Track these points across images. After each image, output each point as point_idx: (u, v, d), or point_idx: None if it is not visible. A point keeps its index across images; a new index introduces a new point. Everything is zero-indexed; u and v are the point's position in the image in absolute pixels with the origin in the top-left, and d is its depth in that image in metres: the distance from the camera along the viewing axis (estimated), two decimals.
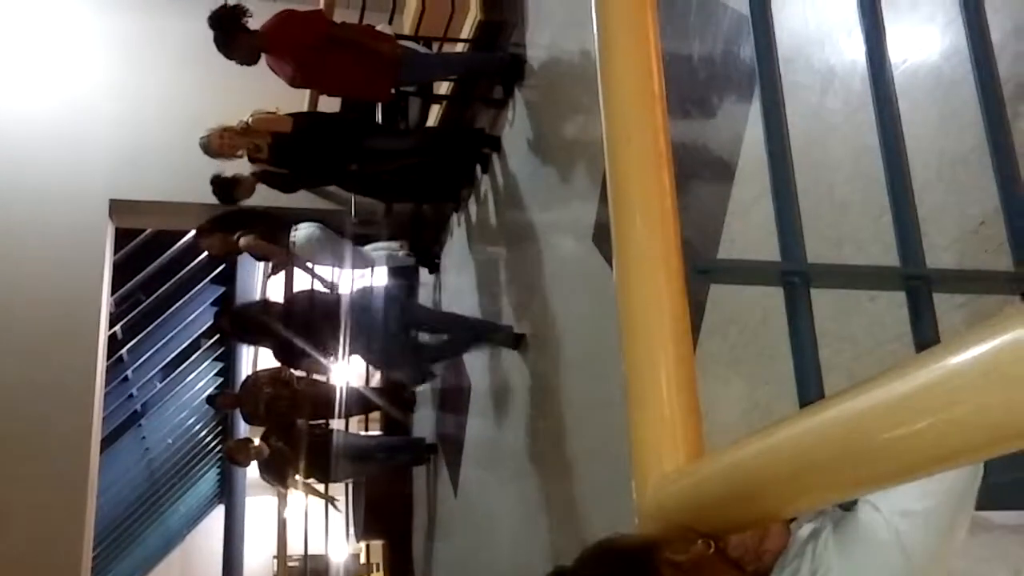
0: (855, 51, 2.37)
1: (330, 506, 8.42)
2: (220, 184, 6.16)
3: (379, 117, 6.50)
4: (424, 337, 6.80)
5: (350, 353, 6.27)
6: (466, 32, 6.25)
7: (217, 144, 5.81)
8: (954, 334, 0.76)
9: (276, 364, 7.37)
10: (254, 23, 5.51)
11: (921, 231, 1.53)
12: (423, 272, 7.82)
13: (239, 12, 5.42)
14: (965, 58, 1.63)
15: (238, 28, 5.42)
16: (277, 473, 7.19)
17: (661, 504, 1.16)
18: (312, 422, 7.28)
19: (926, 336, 1.46)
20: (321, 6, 6.10)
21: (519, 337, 5.52)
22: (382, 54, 5.56)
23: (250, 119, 5.81)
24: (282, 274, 7.72)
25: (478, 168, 6.37)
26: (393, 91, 6.00)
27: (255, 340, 7.09)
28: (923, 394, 0.75)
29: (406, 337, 6.48)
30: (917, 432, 0.76)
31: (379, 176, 6.44)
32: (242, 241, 6.28)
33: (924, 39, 2.19)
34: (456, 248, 7.12)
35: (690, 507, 1.11)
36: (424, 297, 7.88)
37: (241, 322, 6.66)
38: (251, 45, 5.46)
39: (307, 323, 6.17)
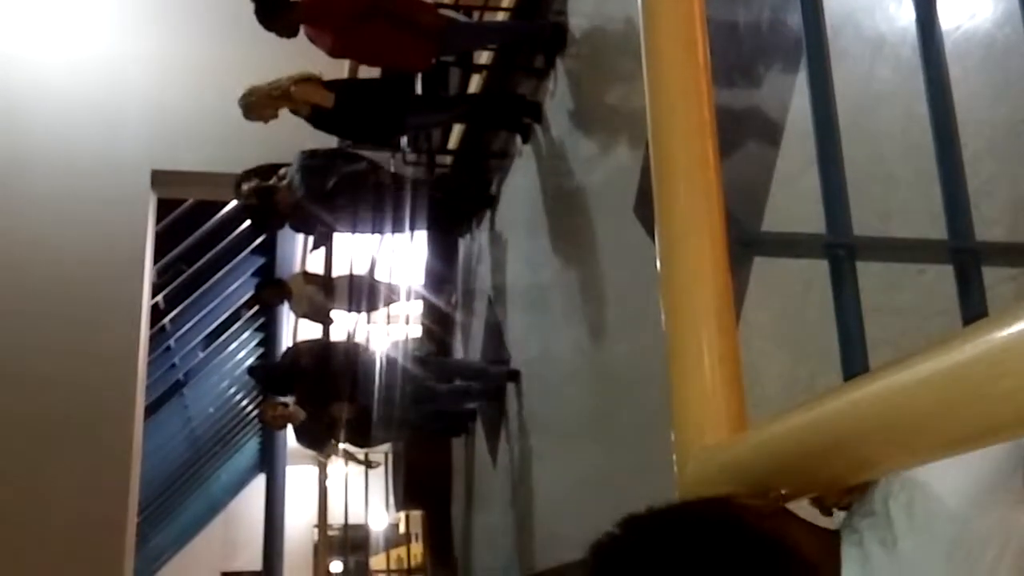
0: (905, 18, 2.32)
1: (369, 471, 8.49)
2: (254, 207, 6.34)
3: (419, 88, 6.48)
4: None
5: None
6: (507, 1, 6.21)
7: (257, 108, 5.82)
8: (1001, 307, 0.74)
9: (316, 334, 7.43)
10: None
11: (971, 203, 1.50)
12: None
13: None
14: (1019, 25, 1.59)
15: (279, 1, 5.42)
16: (314, 438, 7.26)
17: (703, 477, 1.15)
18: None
19: (974, 310, 1.43)
20: None
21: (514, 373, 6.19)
22: (423, 23, 5.54)
23: (293, 87, 5.79)
24: (322, 250, 7.78)
25: (518, 138, 6.35)
26: (434, 60, 5.97)
27: (285, 391, 7.28)
28: (970, 367, 0.73)
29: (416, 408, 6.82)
30: (963, 405, 0.75)
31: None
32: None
33: (977, 5, 2.14)
34: (499, 215, 7.11)
35: (732, 480, 1.09)
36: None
37: (270, 378, 7.14)
38: (291, 16, 5.45)
39: (323, 380, 6.65)
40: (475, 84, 6.84)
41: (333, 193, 6.32)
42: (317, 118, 5.91)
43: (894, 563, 0.98)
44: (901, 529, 0.99)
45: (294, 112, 5.89)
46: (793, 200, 2.82)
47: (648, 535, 0.96)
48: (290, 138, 6.41)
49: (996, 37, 2.06)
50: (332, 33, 5.54)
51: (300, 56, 6.10)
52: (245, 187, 6.33)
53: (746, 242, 1.46)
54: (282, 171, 6.29)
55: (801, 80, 2.68)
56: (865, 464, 0.91)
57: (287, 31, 5.52)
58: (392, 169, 7.01)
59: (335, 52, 5.72)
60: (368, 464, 8.53)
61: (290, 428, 7.45)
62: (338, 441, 7.36)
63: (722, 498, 0.98)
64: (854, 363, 1.34)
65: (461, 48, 6.40)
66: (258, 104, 5.80)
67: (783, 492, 0.99)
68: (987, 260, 1.50)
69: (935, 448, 0.83)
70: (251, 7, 5.44)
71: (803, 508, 1.04)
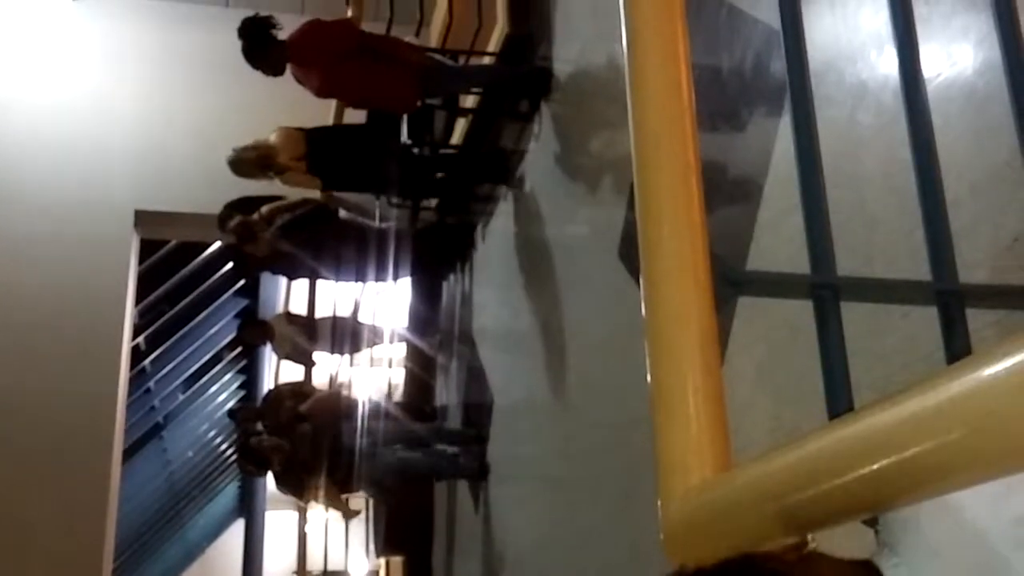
0: (887, 66, 2.35)
1: (349, 520, 8.41)
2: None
3: (405, 131, 6.51)
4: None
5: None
6: (493, 45, 6.25)
7: (248, 161, 5.96)
8: (986, 346, 0.74)
9: (298, 377, 7.39)
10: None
11: (954, 247, 1.51)
12: None
13: (268, 23, 5.46)
14: (999, 72, 1.61)
15: (267, 39, 5.45)
16: (294, 484, 7.19)
17: (687, 517, 1.14)
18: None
19: (958, 351, 1.43)
20: (349, 15, 6.14)
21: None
22: (409, 65, 5.58)
23: (271, 137, 5.92)
24: (305, 292, 7.78)
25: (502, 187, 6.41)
26: (419, 103, 6.01)
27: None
28: (955, 406, 0.74)
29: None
30: (949, 445, 0.75)
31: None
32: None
33: (957, 54, 2.17)
34: (483, 259, 7.11)
35: (718, 520, 1.09)
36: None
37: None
38: (279, 55, 5.47)
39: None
40: (460, 128, 6.88)
41: (317, 243, 6.36)
42: (312, 161, 5.98)
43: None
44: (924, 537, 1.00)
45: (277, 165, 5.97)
46: (778, 243, 2.83)
47: None
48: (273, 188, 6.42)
49: (977, 85, 2.09)
50: (318, 72, 5.56)
51: (286, 97, 6.15)
52: (230, 224, 6.33)
53: (731, 281, 1.46)
54: (264, 210, 6.29)
55: (785, 125, 2.71)
56: (852, 503, 0.91)
57: (274, 70, 5.53)
58: (377, 212, 7.02)
59: (321, 92, 5.75)
60: (348, 514, 8.44)
61: (270, 474, 7.38)
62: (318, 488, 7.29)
63: (747, 554, 0.98)
64: (839, 402, 1.34)
65: (446, 90, 6.43)
66: (247, 157, 5.95)
67: (811, 538, 0.99)
68: (971, 302, 1.50)
69: (922, 488, 0.83)
70: (235, 49, 5.47)
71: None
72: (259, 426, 7.14)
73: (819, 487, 0.91)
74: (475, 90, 6.56)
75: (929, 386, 0.76)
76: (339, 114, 6.65)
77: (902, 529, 1.00)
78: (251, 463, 7.01)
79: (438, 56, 6.07)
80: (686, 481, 1.16)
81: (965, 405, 0.73)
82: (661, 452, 1.21)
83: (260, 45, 5.44)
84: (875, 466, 0.83)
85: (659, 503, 1.18)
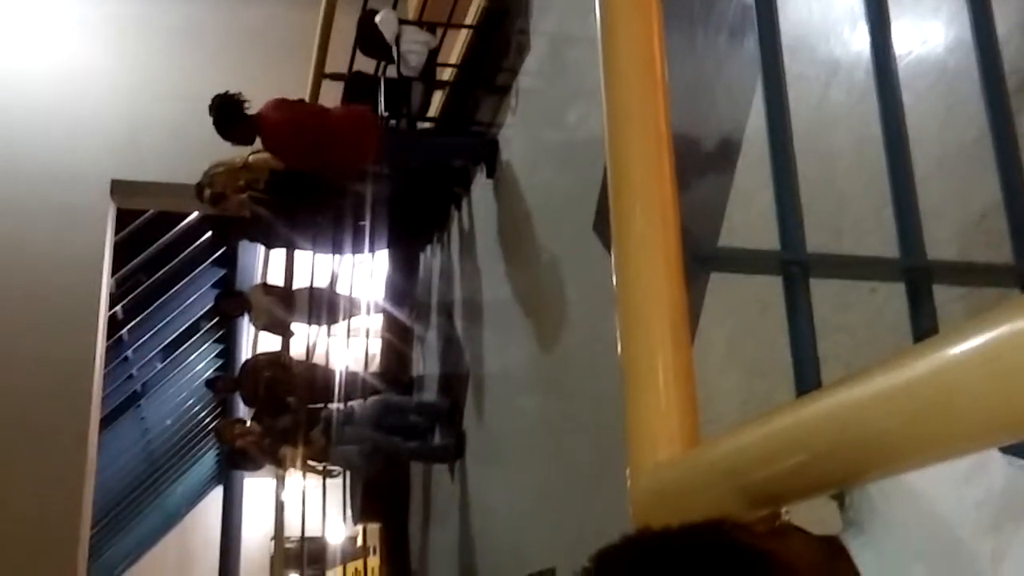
0: (859, 43, 2.36)
1: (327, 483, 8.43)
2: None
3: (382, 104, 6.50)
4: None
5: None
6: (470, 18, 6.23)
7: (220, 181, 6.24)
8: (953, 324, 0.75)
9: (275, 347, 7.39)
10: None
11: (922, 223, 1.53)
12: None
13: (238, 101, 5.80)
14: (970, 51, 1.63)
15: (238, 115, 5.80)
16: (268, 454, 7.21)
17: (656, 491, 1.16)
18: (310, 406, 7.29)
19: (925, 327, 1.46)
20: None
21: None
22: (367, 152, 6.00)
23: (250, 157, 6.25)
24: (282, 263, 7.76)
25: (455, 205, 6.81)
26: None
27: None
28: (922, 384, 0.74)
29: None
30: (915, 422, 0.76)
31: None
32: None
33: (928, 31, 2.18)
34: (456, 244, 7.12)
35: (685, 495, 1.11)
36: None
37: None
38: (247, 130, 5.85)
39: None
40: (437, 101, 6.87)
41: (294, 208, 6.39)
42: (273, 185, 6.26)
43: (896, 538, 1.00)
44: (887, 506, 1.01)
45: (252, 188, 6.22)
46: (749, 219, 2.85)
47: (641, 551, 0.97)
48: (249, 149, 6.39)
49: (947, 62, 2.11)
50: (284, 156, 6.08)
51: (260, 70, 6.14)
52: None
53: (702, 258, 1.48)
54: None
55: (758, 101, 2.72)
56: (818, 479, 0.92)
57: (244, 141, 5.96)
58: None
59: (288, 164, 6.17)
60: (326, 474, 8.46)
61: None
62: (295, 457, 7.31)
63: (718, 519, 0.99)
64: (807, 377, 1.37)
65: (399, 160, 6.70)
66: (221, 183, 6.22)
67: (785, 510, 1.00)
68: (938, 279, 1.53)
69: (887, 464, 0.84)
70: (211, 19, 5.53)
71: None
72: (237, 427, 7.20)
73: (785, 463, 0.93)
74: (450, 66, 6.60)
75: (896, 364, 0.77)
76: (315, 88, 6.66)
77: (868, 509, 1.02)
78: (242, 465, 7.13)
79: (390, 123, 6.45)
80: (655, 456, 1.18)
81: (931, 383, 0.74)
82: (631, 427, 1.23)
83: (230, 120, 5.79)
84: (841, 442, 0.84)
85: (628, 476, 1.20)
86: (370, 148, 6.05)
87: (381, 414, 6.84)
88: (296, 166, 6.13)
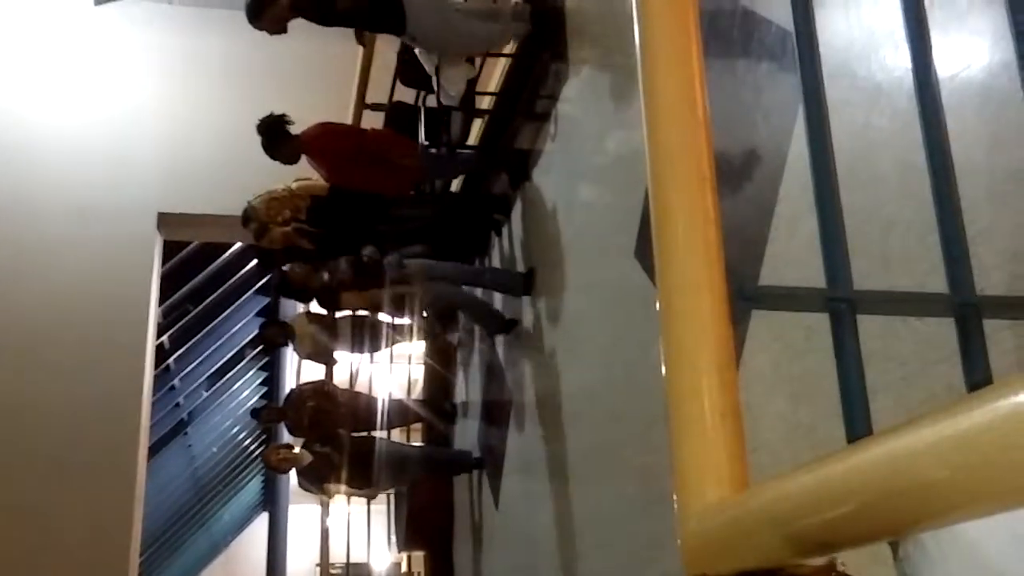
0: (902, 67, 2.34)
1: (371, 508, 8.45)
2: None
3: (423, 132, 6.57)
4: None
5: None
6: (509, 47, 6.26)
7: (264, 210, 6.33)
8: (1007, 375, 0.74)
9: (320, 376, 7.42)
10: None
11: (971, 252, 1.50)
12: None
13: (283, 121, 6.01)
14: (1015, 74, 1.60)
15: (283, 135, 6.01)
16: (316, 480, 7.23)
17: (705, 536, 1.15)
18: (355, 434, 7.31)
19: (976, 363, 1.43)
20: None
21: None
22: (406, 168, 6.26)
23: (294, 184, 6.40)
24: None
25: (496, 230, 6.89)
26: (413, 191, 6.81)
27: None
28: (977, 436, 0.73)
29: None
30: (969, 472, 0.74)
31: (407, 234, 6.92)
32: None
33: (972, 55, 2.16)
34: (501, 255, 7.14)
35: (735, 540, 1.10)
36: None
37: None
38: (293, 149, 6.07)
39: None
40: (477, 129, 6.91)
41: (335, 239, 6.49)
42: (315, 212, 6.34)
43: None
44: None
45: (296, 220, 6.33)
46: (792, 246, 2.83)
47: None
48: (292, 177, 6.46)
49: (992, 86, 2.08)
50: (327, 167, 6.21)
51: (304, 104, 6.23)
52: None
53: (746, 297, 1.46)
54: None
55: (799, 128, 2.70)
56: (868, 529, 0.91)
57: (289, 160, 6.15)
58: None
59: (330, 180, 6.33)
60: (371, 496, 8.47)
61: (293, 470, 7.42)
62: (340, 482, 7.32)
63: (775, 569, 0.98)
64: (856, 418, 1.34)
65: (438, 178, 7.15)
66: (264, 214, 6.35)
67: (840, 560, 0.99)
68: (988, 314, 1.50)
69: (940, 515, 0.83)
70: (256, 54, 5.63)
71: None
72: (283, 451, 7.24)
73: (836, 511, 0.91)
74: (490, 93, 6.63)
75: (950, 415, 0.76)
76: (357, 118, 6.74)
77: (923, 560, 1.00)
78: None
79: (427, 149, 6.61)
80: (703, 499, 1.17)
81: (987, 433, 0.72)
82: (678, 469, 1.22)
83: (276, 139, 6.01)
84: (891, 495, 0.83)
85: (676, 518, 1.19)
86: (411, 152, 6.30)
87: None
88: (340, 178, 6.25)
